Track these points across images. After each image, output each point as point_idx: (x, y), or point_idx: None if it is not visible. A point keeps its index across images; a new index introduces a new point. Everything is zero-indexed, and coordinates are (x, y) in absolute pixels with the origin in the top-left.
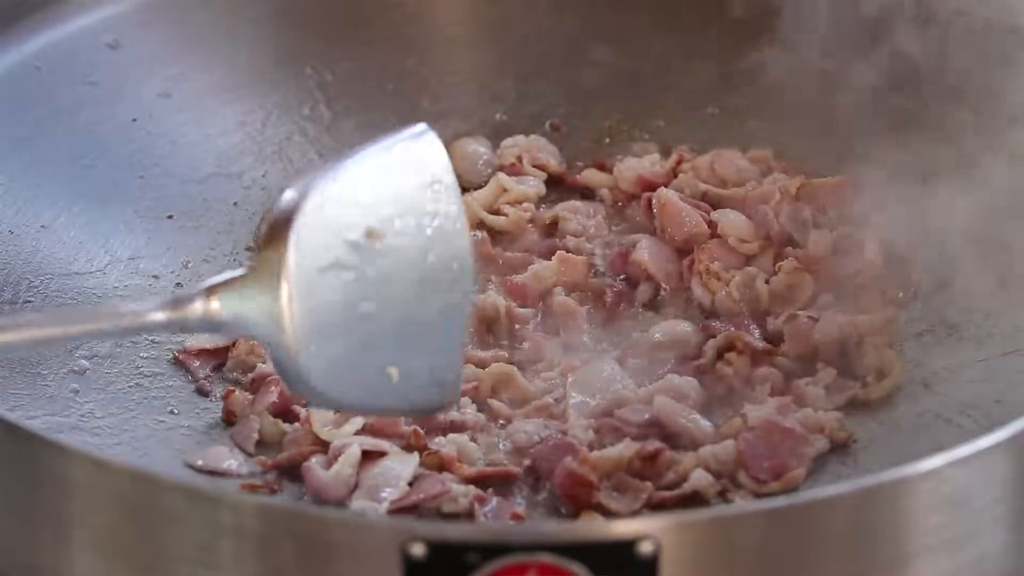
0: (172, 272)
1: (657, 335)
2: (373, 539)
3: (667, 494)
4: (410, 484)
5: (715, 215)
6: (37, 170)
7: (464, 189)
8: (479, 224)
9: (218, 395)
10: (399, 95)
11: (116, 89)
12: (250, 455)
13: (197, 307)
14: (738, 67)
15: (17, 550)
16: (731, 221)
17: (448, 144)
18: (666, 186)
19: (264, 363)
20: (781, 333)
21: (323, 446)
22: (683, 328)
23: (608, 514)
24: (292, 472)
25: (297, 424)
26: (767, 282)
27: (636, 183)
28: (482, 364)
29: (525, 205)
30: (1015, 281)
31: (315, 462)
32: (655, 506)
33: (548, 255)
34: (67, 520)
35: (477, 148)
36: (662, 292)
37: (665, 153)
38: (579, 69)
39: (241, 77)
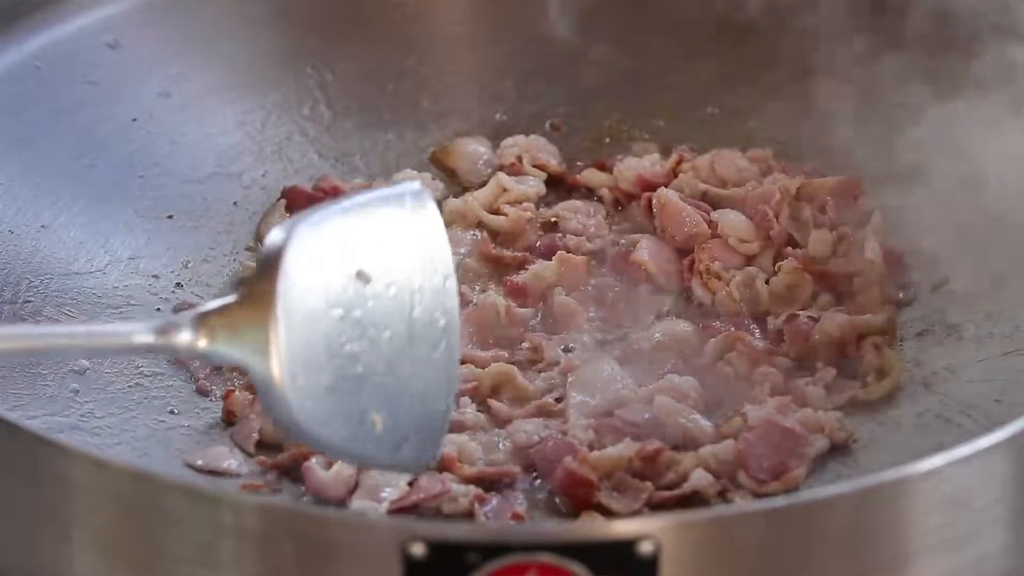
0: (172, 272)
1: (657, 335)
2: (373, 539)
3: (667, 494)
4: (410, 484)
5: (715, 215)
6: (37, 170)
7: (464, 189)
8: (479, 224)
9: (218, 395)
10: (399, 95)
11: (116, 89)
12: (250, 455)
13: (185, 336)
14: (738, 67)
15: (17, 550)
16: (731, 221)
17: (448, 144)
18: (666, 186)
19: None
20: (781, 333)
21: None
22: (683, 328)
23: (608, 514)
24: (292, 472)
25: None
26: (767, 282)
27: (636, 183)
28: (482, 364)
29: (525, 205)
30: (1015, 281)
31: (315, 462)
32: (655, 506)
33: (548, 255)
34: (67, 520)
35: (477, 148)
36: (662, 292)
37: (665, 153)
38: (579, 69)
39: (241, 77)
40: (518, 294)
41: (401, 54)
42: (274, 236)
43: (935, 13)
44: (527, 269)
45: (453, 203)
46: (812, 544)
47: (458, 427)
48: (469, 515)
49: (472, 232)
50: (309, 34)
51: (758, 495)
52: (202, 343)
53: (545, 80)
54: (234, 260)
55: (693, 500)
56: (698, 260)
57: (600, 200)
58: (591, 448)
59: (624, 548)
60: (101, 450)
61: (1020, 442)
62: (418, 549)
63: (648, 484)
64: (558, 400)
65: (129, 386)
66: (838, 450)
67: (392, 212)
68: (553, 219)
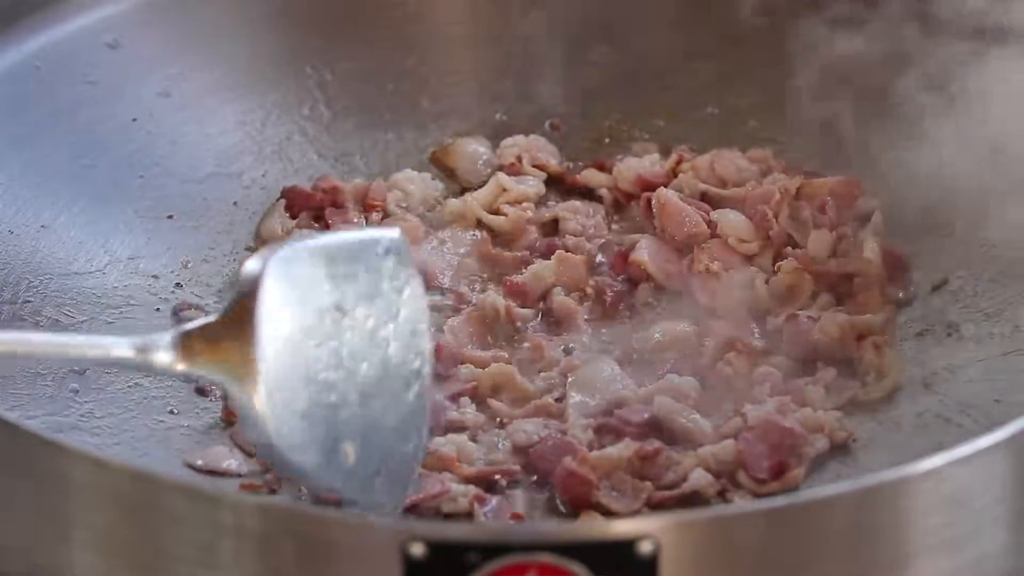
0: (172, 272)
1: (657, 335)
2: (373, 539)
3: (667, 494)
4: None
5: (715, 215)
6: (37, 170)
7: (464, 189)
8: (479, 224)
9: (218, 395)
10: (399, 95)
11: (116, 89)
12: (250, 455)
13: (164, 356)
14: (738, 67)
15: (17, 550)
16: (731, 221)
17: (448, 144)
18: (666, 186)
19: None
20: (781, 333)
21: None
22: (683, 328)
23: (608, 514)
24: None
25: None
26: (767, 282)
27: (636, 183)
28: (482, 364)
29: (525, 205)
30: (1015, 281)
31: None
32: (655, 506)
33: (548, 255)
34: (67, 520)
35: (477, 148)
36: (662, 292)
37: (665, 153)
38: (579, 69)
39: (241, 77)
40: (518, 294)
41: (401, 54)
42: (253, 263)
43: (935, 13)
44: (527, 269)
45: (453, 203)
46: (812, 544)
47: (458, 427)
48: (469, 515)
49: (472, 232)
50: (309, 34)
51: (758, 495)
52: (181, 365)
53: (545, 80)
54: (234, 260)
55: (693, 500)
56: (698, 260)
57: (600, 200)
58: (591, 448)
59: (624, 548)
60: (101, 450)
61: (1020, 442)
62: (418, 549)
63: (648, 484)
64: (558, 400)
65: (129, 386)
66: (838, 450)
67: (369, 252)
68: (553, 219)
